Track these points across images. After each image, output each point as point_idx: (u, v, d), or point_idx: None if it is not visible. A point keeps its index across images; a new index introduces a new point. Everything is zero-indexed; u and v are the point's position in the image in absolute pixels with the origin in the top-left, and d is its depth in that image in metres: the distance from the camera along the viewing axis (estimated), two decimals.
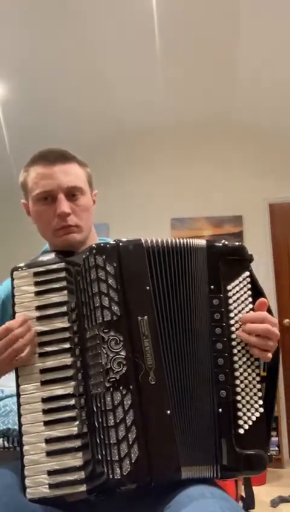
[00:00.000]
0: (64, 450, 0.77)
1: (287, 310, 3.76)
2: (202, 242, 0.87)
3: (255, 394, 0.80)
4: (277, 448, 3.38)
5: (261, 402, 0.80)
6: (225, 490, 0.76)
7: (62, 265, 0.86)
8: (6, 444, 1.74)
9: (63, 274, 0.85)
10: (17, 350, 0.80)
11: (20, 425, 0.80)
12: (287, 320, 3.72)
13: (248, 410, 0.79)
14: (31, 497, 0.76)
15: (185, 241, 0.85)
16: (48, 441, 0.78)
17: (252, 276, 0.87)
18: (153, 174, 4.10)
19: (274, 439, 3.40)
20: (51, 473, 0.76)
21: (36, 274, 0.86)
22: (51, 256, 0.90)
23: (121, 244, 0.82)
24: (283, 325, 3.71)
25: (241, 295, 0.85)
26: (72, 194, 0.97)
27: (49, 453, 0.77)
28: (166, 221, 4.02)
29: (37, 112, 3.52)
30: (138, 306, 0.80)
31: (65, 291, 0.84)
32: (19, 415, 0.80)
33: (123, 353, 0.77)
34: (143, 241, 0.83)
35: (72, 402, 0.79)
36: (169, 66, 3.22)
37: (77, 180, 0.98)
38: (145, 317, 0.79)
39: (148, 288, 0.81)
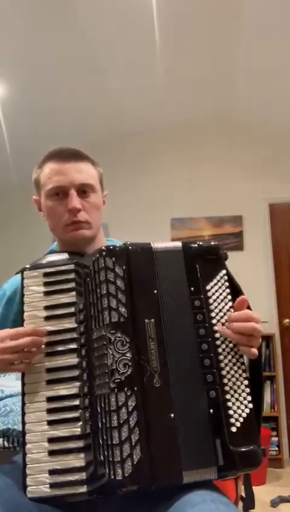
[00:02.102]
0: (66, 450, 0.77)
1: (287, 310, 3.75)
2: (178, 244, 0.88)
3: (243, 391, 0.81)
4: (277, 448, 3.38)
5: (249, 398, 0.81)
6: (223, 492, 0.76)
7: (72, 266, 0.87)
8: (6, 444, 1.74)
9: (72, 275, 0.86)
10: (23, 357, 0.81)
11: (23, 423, 0.80)
12: (287, 320, 3.72)
13: (238, 407, 0.80)
14: (32, 496, 0.76)
15: (163, 244, 0.87)
16: (51, 440, 0.78)
17: (228, 274, 0.88)
18: (153, 174, 4.10)
19: (274, 439, 3.39)
20: (52, 472, 0.76)
21: (46, 274, 0.87)
22: (61, 256, 0.91)
23: (130, 247, 0.84)
24: (283, 325, 3.71)
25: (221, 294, 0.86)
26: (83, 190, 0.99)
27: (52, 453, 0.77)
28: (166, 221, 4.02)
29: (37, 112, 3.53)
30: (145, 309, 0.80)
31: (74, 293, 0.85)
32: (23, 414, 0.80)
33: (129, 355, 0.77)
34: (152, 244, 0.84)
35: (77, 402, 0.79)
36: (169, 66, 3.22)
37: (89, 178, 1.00)
38: (152, 320, 0.80)
39: (155, 291, 0.82)
